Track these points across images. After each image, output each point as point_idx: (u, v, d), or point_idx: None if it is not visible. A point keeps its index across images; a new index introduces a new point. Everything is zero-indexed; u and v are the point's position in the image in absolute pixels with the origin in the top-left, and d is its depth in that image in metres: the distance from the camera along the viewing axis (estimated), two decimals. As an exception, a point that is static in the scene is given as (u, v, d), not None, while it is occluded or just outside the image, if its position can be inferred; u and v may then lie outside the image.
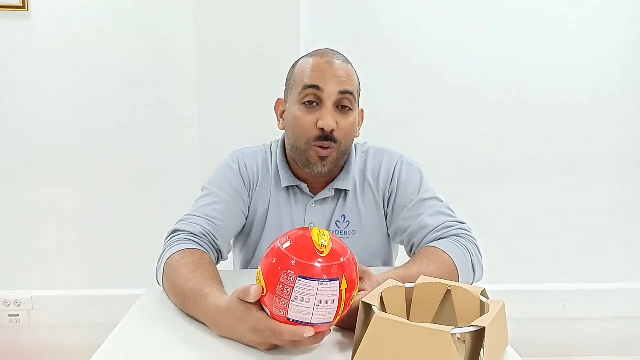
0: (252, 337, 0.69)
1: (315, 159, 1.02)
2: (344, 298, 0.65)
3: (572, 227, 2.08)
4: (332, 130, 0.99)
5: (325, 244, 0.66)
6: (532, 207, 2.06)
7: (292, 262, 0.63)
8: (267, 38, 1.72)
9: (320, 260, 0.64)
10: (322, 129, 0.98)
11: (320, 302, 0.64)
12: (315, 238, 0.66)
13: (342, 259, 0.66)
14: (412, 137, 1.92)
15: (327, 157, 1.01)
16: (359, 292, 0.73)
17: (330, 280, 0.64)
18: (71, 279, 2.01)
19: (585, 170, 2.05)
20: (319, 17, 1.89)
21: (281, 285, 0.64)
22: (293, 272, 0.63)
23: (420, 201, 1.07)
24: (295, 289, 0.63)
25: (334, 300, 0.65)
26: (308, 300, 0.63)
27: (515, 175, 2.04)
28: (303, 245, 0.65)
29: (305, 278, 0.63)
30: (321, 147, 1.00)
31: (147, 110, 1.94)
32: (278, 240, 0.68)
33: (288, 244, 0.66)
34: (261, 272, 0.67)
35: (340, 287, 0.65)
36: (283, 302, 0.64)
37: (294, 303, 0.64)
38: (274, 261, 0.65)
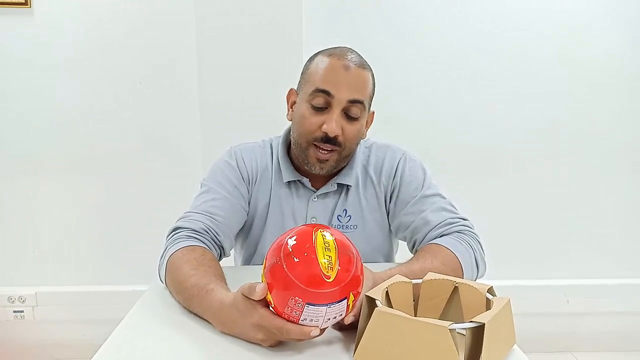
0: (256, 333, 0.69)
1: (314, 160, 1.02)
2: (351, 306, 0.66)
3: (575, 222, 2.07)
4: (336, 136, 0.99)
5: (332, 264, 0.62)
6: (534, 202, 2.06)
7: (299, 289, 0.62)
8: (269, 37, 1.71)
9: (328, 287, 0.62)
10: (326, 133, 0.99)
11: (329, 319, 0.65)
12: (321, 258, 0.62)
13: (349, 277, 0.63)
14: (414, 131, 1.91)
15: (327, 160, 1.02)
16: None
17: (338, 302, 0.63)
18: (75, 275, 2.02)
19: (589, 165, 2.04)
20: (320, 13, 1.88)
21: (289, 308, 0.63)
22: (301, 300, 0.62)
23: (423, 197, 1.07)
24: (303, 313, 0.63)
25: (341, 314, 0.66)
26: (317, 320, 0.64)
27: (517, 170, 2.04)
28: (309, 269, 0.62)
29: (313, 305, 0.62)
30: (321, 150, 1.00)
31: (149, 108, 1.94)
32: (283, 258, 0.63)
33: (295, 270, 0.62)
34: (266, 282, 0.66)
35: (347, 303, 0.65)
36: (292, 319, 0.65)
37: (303, 322, 0.64)
38: (280, 283, 0.63)
